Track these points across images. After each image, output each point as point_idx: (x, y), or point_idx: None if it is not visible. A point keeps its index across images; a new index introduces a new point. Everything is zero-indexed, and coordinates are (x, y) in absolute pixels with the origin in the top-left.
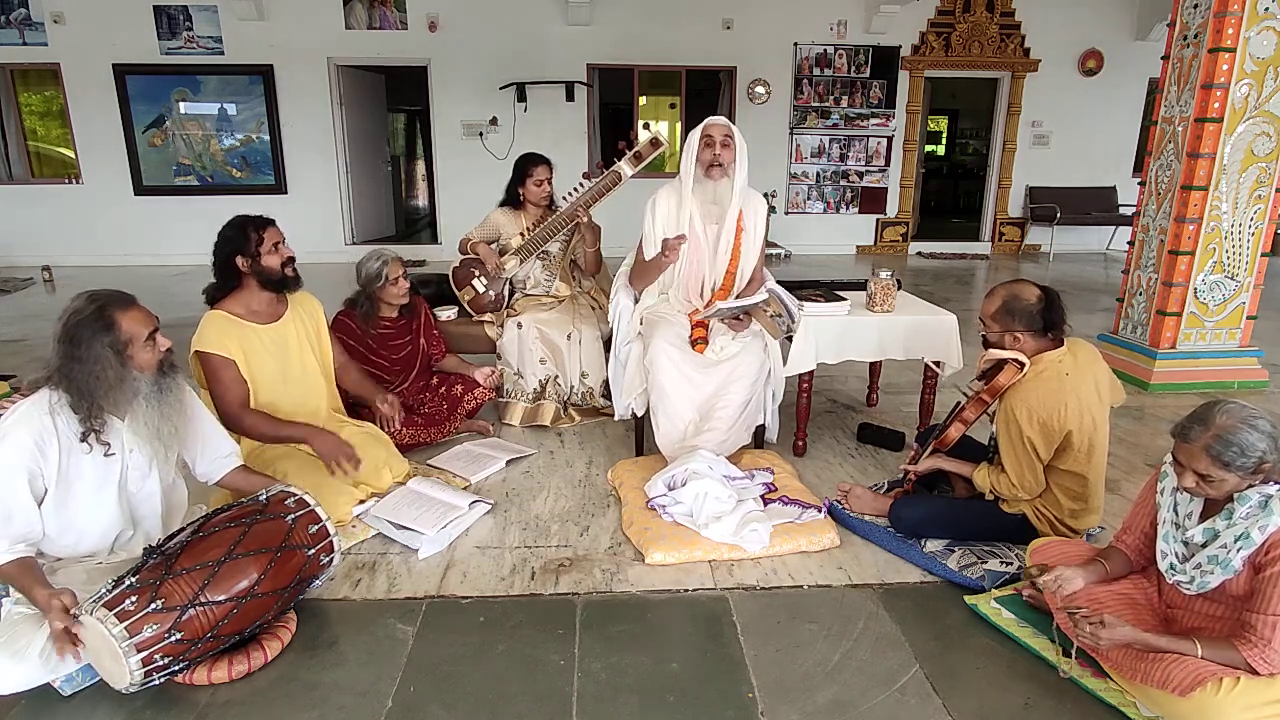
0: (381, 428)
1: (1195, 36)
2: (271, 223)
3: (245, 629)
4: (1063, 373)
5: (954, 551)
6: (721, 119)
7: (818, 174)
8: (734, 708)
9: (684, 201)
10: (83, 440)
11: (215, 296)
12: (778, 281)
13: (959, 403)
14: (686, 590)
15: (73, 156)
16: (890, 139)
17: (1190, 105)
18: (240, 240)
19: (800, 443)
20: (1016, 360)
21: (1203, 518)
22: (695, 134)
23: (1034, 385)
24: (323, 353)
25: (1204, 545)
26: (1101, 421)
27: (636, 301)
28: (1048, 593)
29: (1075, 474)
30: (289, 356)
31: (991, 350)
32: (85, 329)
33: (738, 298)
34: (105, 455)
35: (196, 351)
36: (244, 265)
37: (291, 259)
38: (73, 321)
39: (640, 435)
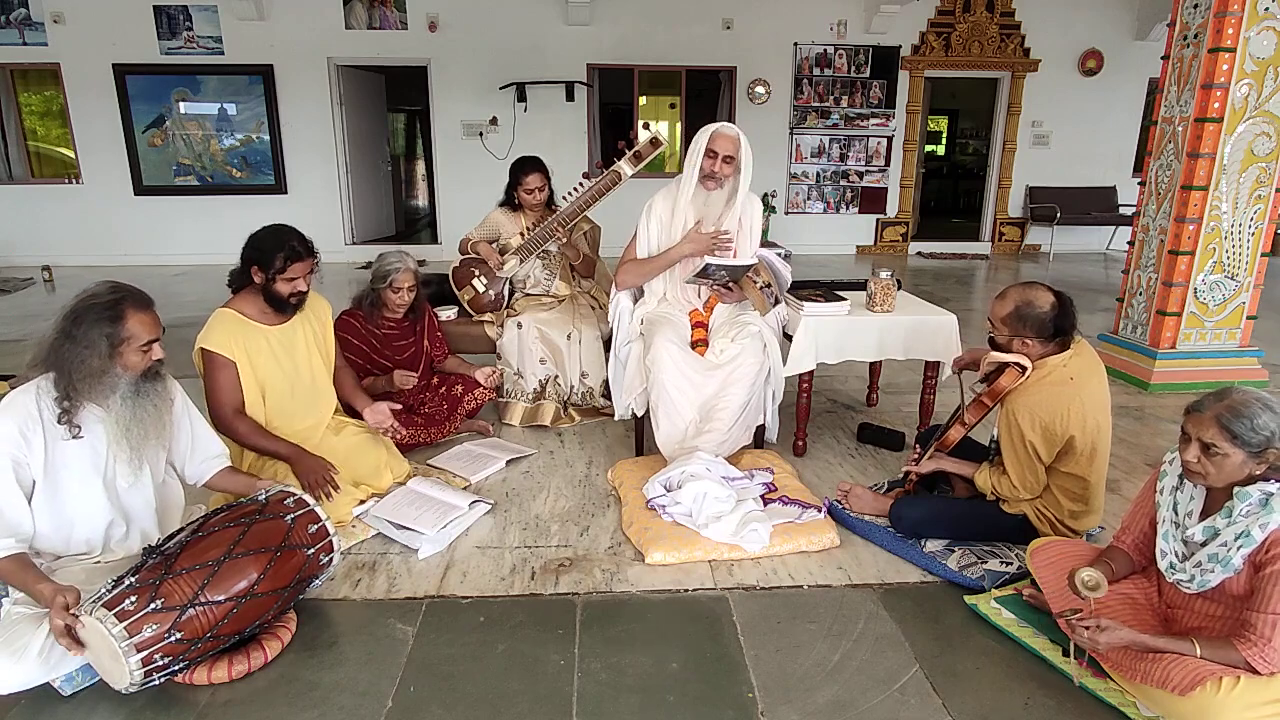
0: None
1: (1195, 36)
2: (305, 257)
3: (245, 629)
4: (1067, 377)
5: (954, 551)
6: (732, 130)
7: (818, 174)
8: (734, 708)
9: (679, 205)
10: (59, 422)
11: (237, 284)
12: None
13: (960, 405)
14: (686, 590)
15: (73, 156)
16: (890, 139)
17: (1190, 105)
18: (266, 257)
19: (800, 443)
20: (1018, 364)
21: (1203, 516)
22: (703, 138)
23: (1037, 389)
24: (329, 354)
25: (1204, 544)
26: (1105, 425)
27: (636, 302)
28: (1048, 592)
29: (1077, 476)
30: (296, 358)
31: (993, 354)
32: (92, 312)
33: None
34: (74, 438)
35: (201, 348)
36: (256, 277)
37: (302, 293)
38: (86, 302)
39: (640, 435)
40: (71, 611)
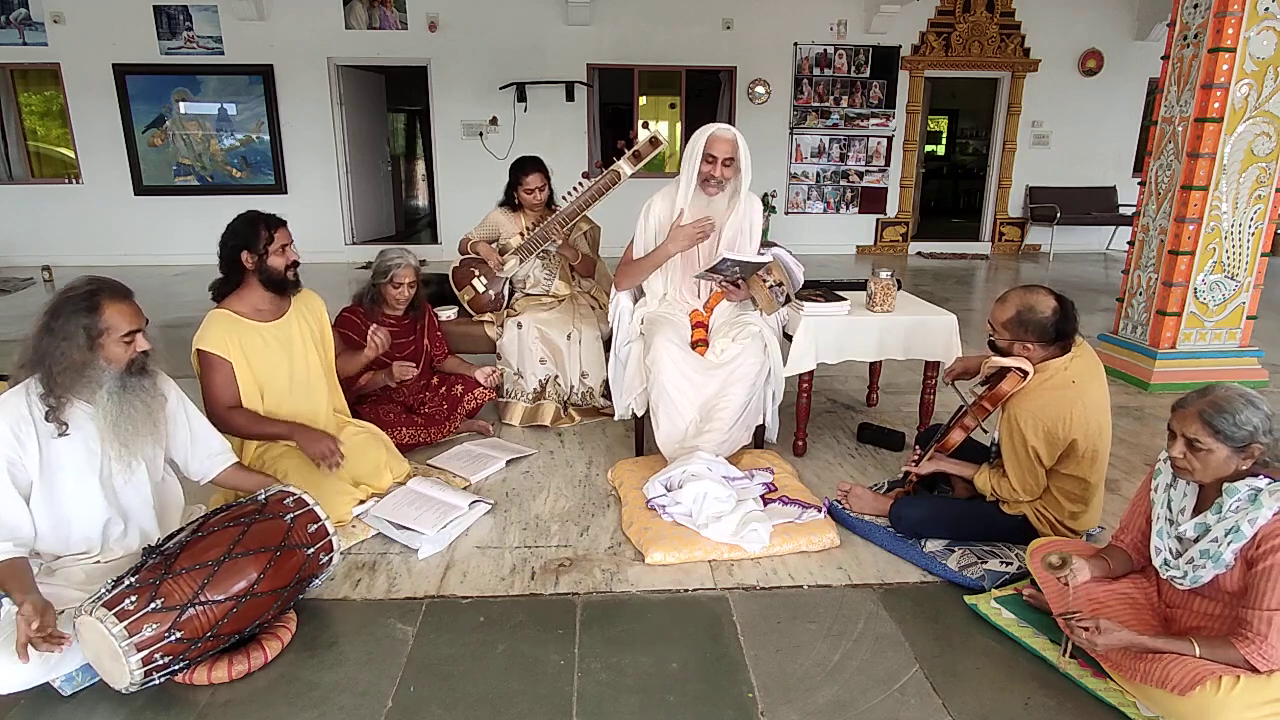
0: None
1: (1195, 36)
2: (283, 223)
3: (245, 628)
4: (1069, 380)
5: (954, 551)
6: (728, 133)
7: (818, 174)
8: (734, 708)
9: (678, 207)
10: (46, 419)
11: (221, 292)
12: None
13: (961, 407)
14: (686, 590)
15: (73, 156)
16: (890, 139)
17: (1190, 105)
18: (250, 236)
19: (800, 443)
20: (1020, 369)
21: (1195, 513)
22: (699, 142)
23: (1039, 394)
24: (326, 351)
25: (1196, 540)
26: (1106, 427)
27: (636, 302)
28: (1048, 592)
29: (1077, 478)
30: (293, 354)
31: (994, 358)
32: (70, 304)
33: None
34: (61, 435)
35: (197, 349)
36: (249, 262)
37: (296, 263)
38: (64, 296)
39: (640, 435)
40: (63, 612)
